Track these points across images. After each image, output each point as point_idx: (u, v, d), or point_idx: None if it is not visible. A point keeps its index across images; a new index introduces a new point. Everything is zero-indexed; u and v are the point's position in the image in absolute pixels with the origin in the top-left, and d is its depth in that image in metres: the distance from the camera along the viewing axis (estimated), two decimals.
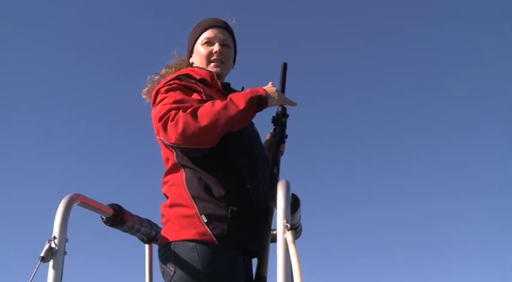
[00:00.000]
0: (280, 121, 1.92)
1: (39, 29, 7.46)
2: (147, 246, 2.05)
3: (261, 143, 1.86)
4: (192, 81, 1.71)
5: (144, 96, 1.88)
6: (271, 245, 1.69)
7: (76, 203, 1.48)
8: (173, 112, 1.54)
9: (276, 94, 1.67)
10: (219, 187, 1.59)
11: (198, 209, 1.56)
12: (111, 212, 1.75)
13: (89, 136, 7.40)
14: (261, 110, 1.62)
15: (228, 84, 1.87)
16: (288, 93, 1.85)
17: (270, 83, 1.72)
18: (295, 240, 1.31)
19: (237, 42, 1.96)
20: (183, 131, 1.49)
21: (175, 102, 1.59)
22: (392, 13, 8.15)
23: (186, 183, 1.61)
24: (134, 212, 1.88)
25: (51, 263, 1.35)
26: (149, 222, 1.95)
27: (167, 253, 1.57)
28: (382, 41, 8.14)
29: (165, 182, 1.71)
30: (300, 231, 1.92)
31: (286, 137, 1.93)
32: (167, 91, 1.66)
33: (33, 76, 7.38)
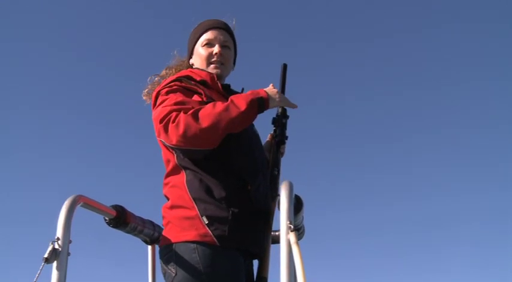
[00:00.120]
0: (280, 122, 1.92)
1: (39, 29, 7.48)
2: (149, 247, 2.05)
3: (261, 144, 1.86)
4: (192, 82, 1.71)
5: (144, 98, 1.88)
6: (272, 246, 1.69)
7: (79, 205, 1.49)
8: (174, 114, 1.54)
9: (277, 96, 1.67)
10: (219, 189, 1.59)
11: (199, 211, 1.57)
12: (114, 213, 1.75)
13: (89, 136, 7.42)
14: (262, 111, 1.63)
15: (228, 86, 1.87)
16: (288, 94, 1.85)
17: (271, 84, 1.72)
18: (298, 241, 1.31)
19: (237, 44, 1.96)
20: (184, 132, 1.49)
21: (176, 103, 1.59)
22: (392, 13, 8.15)
23: (187, 185, 1.62)
24: (136, 213, 1.88)
25: (54, 264, 1.36)
26: (152, 223, 1.95)
27: (168, 254, 1.57)
28: (382, 41, 8.15)
29: (166, 184, 1.71)
30: (303, 232, 1.92)
31: (286, 138, 1.93)
32: (168, 93, 1.66)
33: (34, 76, 7.40)
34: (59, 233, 1.39)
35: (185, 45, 1.98)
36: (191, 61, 1.92)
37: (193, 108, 1.55)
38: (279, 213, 1.64)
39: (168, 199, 1.69)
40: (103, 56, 7.85)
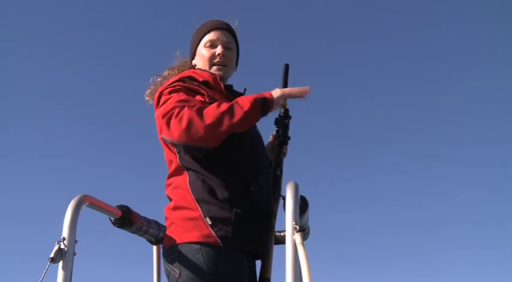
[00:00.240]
0: (282, 123, 1.92)
1: (39, 29, 7.51)
2: (154, 247, 2.06)
3: (263, 144, 1.86)
4: (195, 83, 1.70)
5: (147, 98, 1.88)
6: (275, 246, 1.69)
7: (85, 205, 1.49)
8: (177, 109, 1.54)
9: (280, 92, 1.66)
10: (222, 189, 1.59)
11: (202, 212, 1.57)
12: (119, 213, 1.75)
13: (92, 136, 7.44)
14: (266, 112, 1.62)
15: (231, 87, 1.87)
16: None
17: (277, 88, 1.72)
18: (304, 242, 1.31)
19: (239, 45, 1.96)
20: (187, 127, 1.49)
21: (179, 101, 1.59)
22: (392, 13, 8.13)
23: (189, 185, 1.62)
24: (141, 214, 1.88)
25: (60, 264, 1.36)
26: (157, 223, 1.95)
27: (172, 255, 1.57)
28: (383, 41, 8.13)
29: (169, 185, 1.71)
30: (308, 232, 1.92)
31: (289, 138, 1.92)
32: (170, 92, 1.66)
33: (34, 76, 7.43)
34: (65, 233, 1.40)
35: (187, 46, 1.99)
36: (193, 62, 1.92)
37: (196, 105, 1.55)
38: (283, 213, 1.64)
39: (170, 200, 1.70)
40: (103, 55, 7.89)
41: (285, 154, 1.95)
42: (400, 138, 7.94)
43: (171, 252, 1.58)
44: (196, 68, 1.89)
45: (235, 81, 1.93)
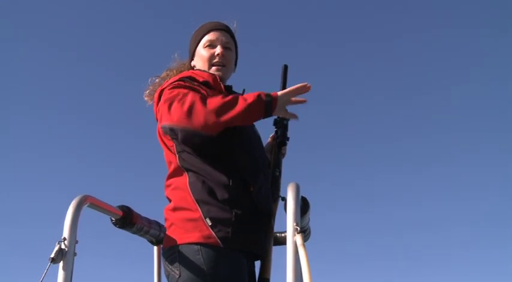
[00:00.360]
0: (281, 123, 1.92)
1: (40, 29, 7.52)
2: (155, 248, 2.06)
3: (262, 145, 1.86)
4: (195, 83, 1.70)
5: (146, 98, 1.88)
6: (276, 247, 1.69)
7: (86, 205, 1.49)
8: (181, 95, 1.55)
9: (281, 92, 1.60)
10: (222, 190, 1.59)
11: (202, 213, 1.57)
12: (120, 213, 1.75)
13: (92, 136, 7.45)
14: (270, 109, 1.56)
15: (231, 87, 1.87)
16: None
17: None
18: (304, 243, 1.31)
19: (238, 46, 1.96)
20: (188, 110, 1.49)
21: (184, 89, 1.60)
22: (391, 15, 8.14)
23: (189, 186, 1.62)
24: (142, 214, 1.88)
25: (61, 264, 1.36)
26: (158, 224, 1.95)
27: (172, 256, 1.57)
28: (382, 41, 8.13)
29: (168, 186, 1.71)
30: (309, 233, 1.92)
31: (287, 139, 1.92)
32: (173, 88, 1.66)
33: (34, 76, 7.44)
34: (66, 233, 1.40)
35: (186, 47, 1.98)
36: (192, 63, 1.92)
37: (200, 94, 1.56)
38: (282, 214, 1.64)
39: (170, 201, 1.69)
40: (103, 55, 7.90)
41: (283, 155, 1.95)
42: (400, 139, 7.94)
43: (171, 253, 1.58)
44: (195, 68, 1.88)
45: (234, 82, 1.93)
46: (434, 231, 6.99)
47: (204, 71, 1.83)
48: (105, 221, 1.77)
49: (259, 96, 1.54)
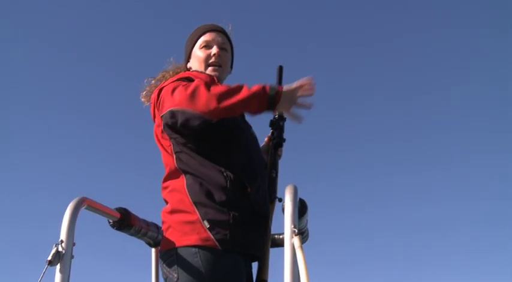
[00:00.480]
0: (277, 125, 1.92)
1: (40, 29, 7.52)
2: (153, 249, 2.05)
3: (259, 146, 1.86)
4: None
5: (142, 99, 1.88)
6: (274, 249, 1.70)
7: (83, 207, 1.49)
8: (186, 82, 1.57)
9: (293, 97, 1.55)
10: (220, 192, 1.59)
11: (200, 215, 1.57)
12: (118, 215, 1.75)
13: (90, 138, 7.44)
14: (272, 104, 1.52)
15: None
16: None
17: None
18: (302, 245, 1.31)
19: (234, 47, 1.96)
20: (192, 93, 1.50)
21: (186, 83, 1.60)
22: (391, 16, 8.15)
23: (187, 189, 1.61)
24: (140, 216, 1.88)
25: (58, 266, 1.36)
26: (156, 226, 1.95)
27: (170, 259, 1.57)
28: (381, 42, 8.15)
29: (165, 188, 1.71)
30: (307, 235, 1.92)
31: (284, 140, 1.92)
32: (171, 85, 1.65)
33: (34, 76, 7.43)
34: (63, 235, 1.39)
35: (182, 49, 1.98)
36: (189, 65, 1.92)
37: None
38: (279, 215, 1.64)
39: (167, 203, 1.69)
40: (104, 56, 7.89)
41: (280, 156, 1.95)
42: (400, 139, 7.95)
43: (169, 256, 1.57)
44: (191, 70, 1.88)
45: (230, 83, 1.93)
46: (434, 232, 7.00)
47: (200, 72, 1.83)
48: (102, 223, 1.77)
49: (264, 88, 1.52)
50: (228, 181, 1.61)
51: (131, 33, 7.92)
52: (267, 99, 1.51)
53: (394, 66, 8.21)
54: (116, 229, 1.79)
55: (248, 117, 1.83)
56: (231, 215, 1.57)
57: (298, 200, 1.44)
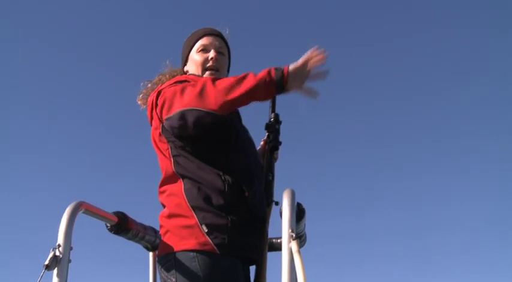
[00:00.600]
0: (273, 128, 1.92)
1: (39, 30, 7.52)
2: (151, 254, 2.05)
3: (256, 149, 1.86)
4: None
5: (139, 102, 1.87)
6: (271, 253, 1.70)
7: (81, 211, 1.49)
8: (193, 82, 1.57)
9: (301, 74, 1.50)
10: (218, 196, 1.59)
11: (198, 219, 1.56)
12: (115, 219, 1.75)
13: (88, 142, 7.43)
14: (281, 86, 1.49)
15: None
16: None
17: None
18: (300, 249, 1.31)
19: (231, 52, 1.96)
20: (200, 91, 1.49)
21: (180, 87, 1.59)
22: (390, 16, 8.18)
23: (185, 193, 1.61)
24: (137, 220, 1.88)
25: (55, 271, 1.36)
26: (153, 230, 1.95)
27: (168, 263, 1.57)
28: (381, 42, 8.17)
29: (162, 192, 1.70)
30: (305, 239, 1.92)
31: (280, 143, 1.93)
32: (170, 87, 1.65)
33: (33, 78, 7.42)
34: (60, 239, 1.39)
35: (177, 53, 1.98)
36: (185, 68, 1.92)
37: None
38: (275, 219, 1.64)
39: (164, 207, 1.69)
40: (103, 58, 7.89)
41: (276, 159, 1.95)
42: (400, 142, 7.96)
43: (167, 260, 1.57)
44: (188, 74, 1.88)
45: None
46: (434, 235, 7.01)
47: (197, 75, 1.83)
48: (100, 227, 1.77)
49: (269, 72, 1.49)
50: (226, 185, 1.60)
51: (129, 36, 7.95)
52: (274, 84, 1.48)
53: (395, 66, 8.22)
54: (114, 233, 1.79)
55: (244, 121, 1.83)
56: (229, 219, 1.57)
57: (296, 204, 1.44)
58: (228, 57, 1.95)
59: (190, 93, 1.52)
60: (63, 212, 1.45)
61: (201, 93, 1.50)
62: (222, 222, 1.56)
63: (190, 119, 1.50)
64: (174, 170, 1.65)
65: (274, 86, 1.49)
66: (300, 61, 1.51)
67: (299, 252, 1.29)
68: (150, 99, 1.75)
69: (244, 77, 1.50)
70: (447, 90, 7.65)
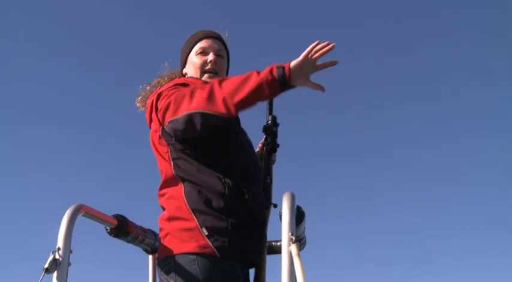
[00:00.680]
0: (271, 130, 1.93)
1: (39, 30, 7.52)
2: (150, 257, 2.05)
3: (255, 152, 1.86)
4: None
5: (138, 104, 1.87)
6: (271, 256, 1.70)
7: (80, 214, 1.49)
8: (200, 85, 1.55)
9: (306, 68, 1.50)
10: (218, 199, 1.59)
11: (198, 222, 1.56)
12: (115, 222, 1.75)
13: (87, 145, 7.42)
14: (284, 82, 1.48)
15: None
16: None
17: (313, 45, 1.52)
18: (300, 252, 1.31)
19: (230, 54, 1.96)
20: (209, 94, 1.48)
21: (184, 90, 1.59)
22: (389, 17, 8.19)
23: (185, 196, 1.61)
24: (137, 223, 1.88)
25: (55, 274, 1.36)
26: (153, 233, 1.95)
27: (168, 266, 1.57)
28: (381, 45, 8.16)
29: (162, 195, 1.70)
30: (305, 242, 1.92)
31: (277, 146, 1.93)
32: (171, 90, 1.65)
33: (31, 82, 7.42)
34: (60, 243, 1.39)
35: (176, 55, 1.99)
36: (184, 70, 1.92)
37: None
38: (274, 221, 1.64)
39: (164, 209, 1.69)
40: (102, 62, 7.90)
41: (274, 161, 1.95)
42: (399, 143, 7.96)
43: (167, 263, 1.57)
44: (187, 76, 1.88)
45: None
46: (434, 237, 7.00)
47: (196, 78, 1.83)
48: (100, 230, 1.77)
49: (270, 69, 1.49)
50: (227, 188, 1.61)
51: (129, 38, 7.94)
52: (277, 81, 1.48)
53: (395, 67, 8.22)
54: (113, 236, 1.79)
55: (242, 123, 1.83)
56: (230, 221, 1.57)
57: (295, 207, 1.44)
58: (227, 60, 1.95)
59: (199, 96, 1.51)
60: (63, 215, 1.45)
61: (210, 96, 1.49)
62: (222, 225, 1.56)
63: (199, 122, 1.50)
64: (174, 172, 1.65)
65: (277, 84, 1.48)
66: (301, 56, 1.51)
67: (299, 255, 1.29)
68: (149, 102, 1.75)
69: (248, 77, 1.49)
70: (447, 91, 7.66)
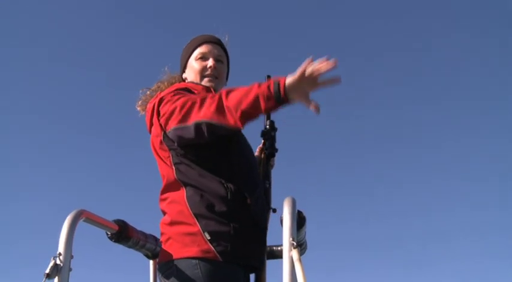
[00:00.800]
0: (269, 135, 1.93)
1: (40, 32, 7.54)
2: (151, 262, 2.05)
3: (255, 157, 1.86)
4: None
5: (138, 108, 1.87)
6: (273, 260, 1.70)
7: (81, 219, 1.49)
8: (199, 99, 1.54)
9: (302, 85, 1.43)
10: (220, 203, 1.59)
11: (200, 227, 1.56)
12: (116, 227, 1.75)
13: (88, 150, 7.42)
14: (279, 99, 1.44)
15: None
16: None
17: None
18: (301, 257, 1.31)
19: (229, 59, 1.96)
20: (218, 105, 1.48)
21: (190, 97, 1.58)
22: (388, 22, 8.20)
23: (187, 200, 1.61)
24: (138, 228, 1.88)
25: (56, 280, 1.36)
26: (154, 238, 1.95)
27: (169, 270, 1.56)
28: (379, 43, 8.17)
29: (164, 199, 1.70)
30: (305, 247, 1.92)
31: (276, 150, 1.93)
32: (174, 95, 1.65)
33: (33, 87, 7.43)
34: (61, 248, 1.39)
35: (175, 59, 1.99)
36: (184, 75, 1.92)
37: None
38: (274, 226, 1.64)
39: (165, 214, 1.69)
40: (103, 64, 7.91)
41: (272, 166, 1.96)
42: (402, 147, 7.95)
43: (168, 268, 1.57)
44: (187, 81, 1.89)
45: None
46: (434, 240, 6.98)
47: (196, 83, 1.84)
48: (100, 235, 1.77)
49: (268, 85, 1.45)
50: (229, 192, 1.61)
51: (128, 42, 7.97)
52: (273, 97, 1.43)
53: (395, 71, 8.21)
54: (114, 241, 1.79)
55: None
56: (232, 226, 1.57)
57: (296, 212, 1.44)
58: (227, 65, 1.95)
59: (209, 106, 1.50)
60: (64, 221, 1.45)
61: (219, 107, 1.48)
62: (225, 230, 1.56)
63: (208, 131, 1.51)
64: (176, 177, 1.65)
65: (273, 100, 1.44)
66: (297, 72, 1.43)
67: (300, 260, 1.29)
68: (150, 106, 1.75)
69: (249, 90, 1.47)
70: (448, 93, 7.66)
